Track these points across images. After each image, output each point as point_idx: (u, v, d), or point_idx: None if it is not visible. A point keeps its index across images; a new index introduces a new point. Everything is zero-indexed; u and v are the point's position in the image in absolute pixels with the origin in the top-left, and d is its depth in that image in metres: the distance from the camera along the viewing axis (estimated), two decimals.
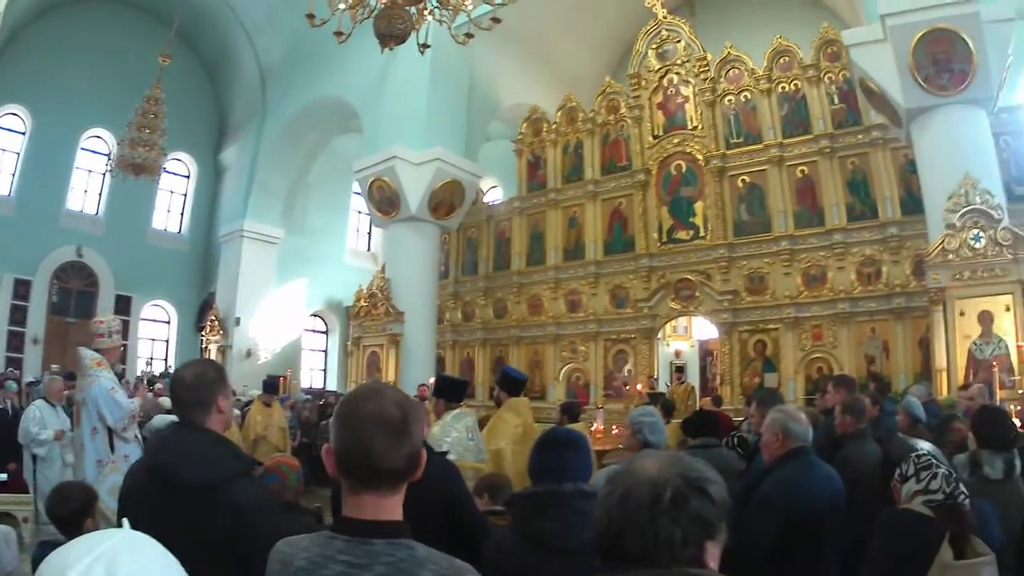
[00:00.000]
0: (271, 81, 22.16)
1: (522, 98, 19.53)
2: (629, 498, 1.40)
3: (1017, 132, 13.23)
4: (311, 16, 8.35)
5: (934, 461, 3.21)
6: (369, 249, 26.68)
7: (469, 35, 8.54)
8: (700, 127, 15.65)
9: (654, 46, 16.49)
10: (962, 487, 3.15)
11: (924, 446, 4.69)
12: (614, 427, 12.34)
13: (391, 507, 1.67)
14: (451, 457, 4.56)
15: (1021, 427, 6.01)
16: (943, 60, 10.83)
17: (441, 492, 3.43)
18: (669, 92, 16.25)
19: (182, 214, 24.99)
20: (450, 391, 6.46)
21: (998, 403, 7.92)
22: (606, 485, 1.49)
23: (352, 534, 1.61)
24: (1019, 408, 8.16)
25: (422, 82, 17.20)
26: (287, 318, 23.24)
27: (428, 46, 8.86)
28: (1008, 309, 10.14)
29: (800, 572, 3.64)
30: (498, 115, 19.99)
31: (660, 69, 16.33)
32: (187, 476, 2.49)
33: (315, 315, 25.05)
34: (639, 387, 14.34)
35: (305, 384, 23.16)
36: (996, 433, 4.07)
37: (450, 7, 8.44)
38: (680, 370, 16.02)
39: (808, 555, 3.66)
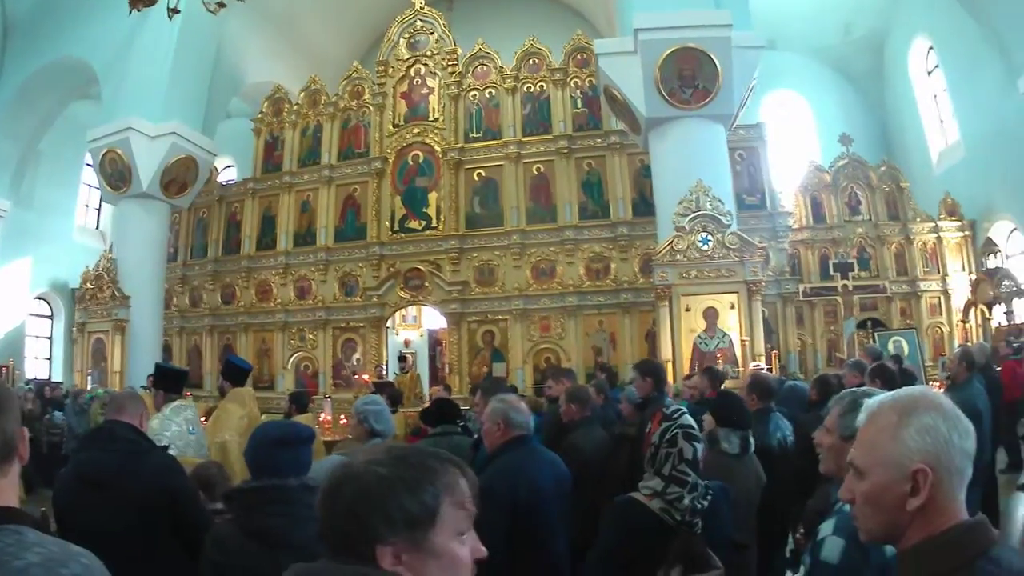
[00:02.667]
0: (14, 34, 17.91)
1: (267, 76, 17.05)
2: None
3: (752, 148, 13.44)
4: None
5: (691, 479, 2.78)
6: (98, 227, 22.54)
7: (221, 4, 7.92)
8: (441, 119, 14.19)
9: (407, 36, 14.81)
10: (698, 510, 2.79)
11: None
12: (342, 417, 10.90)
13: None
14: (171, 452, 3.88)
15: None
16: (688, 76, 10.57)
17: (163, 490, 3.12)
18: (415, 82, 14.59)
19: None
20: (169, 381, 5.78)
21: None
22: None
23: None
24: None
25: (167, 51, 14.45)
26: (10, 301, 19.02)
27: (178, 11, 7.78)
28: (733, 307, 10.10)
29: (529, 557, 3.30)
30: (241, 92, 17.43)
31: (409, 59, 14.67)
32: None
33: (40, 298, 20.68)
34: (366, 377, 12.91)
35: (30, 375, 18.93)
36: (733, 414, 4.12)
37: None
38: (403, 359, 14.25)
39: (537, 540, 3.35)
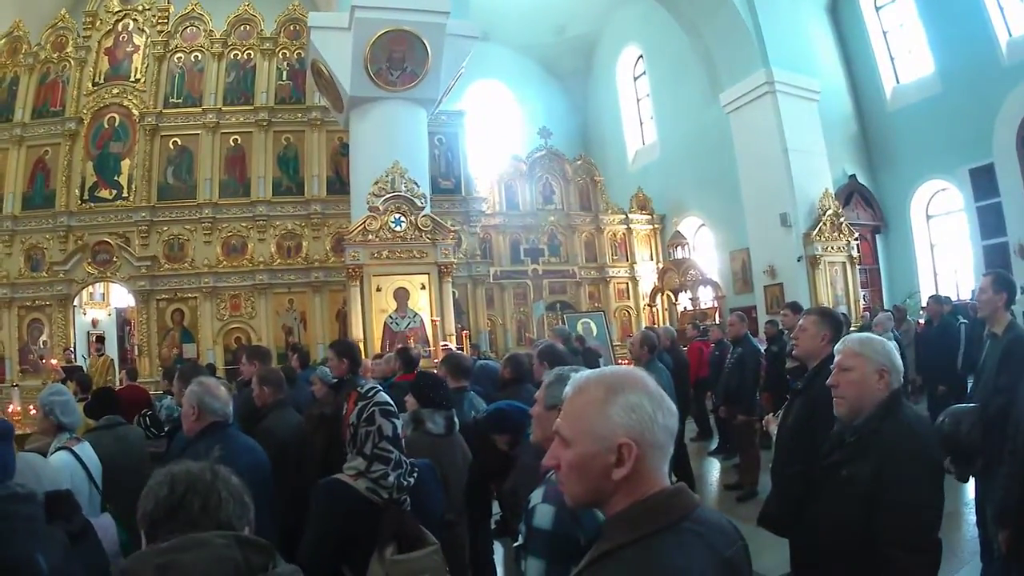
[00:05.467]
0: None
1: None
2: None
3: (452, 133, 13.11)
4: None
5: (394, 456, 2.66)
6: None
7: None
8: (143, 81, 12.35)
9: None
10: (405, 486, 2.69)
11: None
12: (32, 408, 9.01)
13: None
14: None
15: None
16: (398, 59, 10.06)
17: None
18: (122, 38, 12.60)
19: None
20: None
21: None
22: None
23: None
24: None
25: None
26: None
27: None
28: (424, 287, 9.87)
29: None
30: None
31: (119, 12, 12.65)
32: None
33: None
34: (54, 361, 10.98)
35: None
36: (436, 395, 3.93)
37: None
38: (100, 341, 12.56)
39: None
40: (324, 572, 2.57)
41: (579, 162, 14.67)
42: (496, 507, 4.94)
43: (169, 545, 1.25)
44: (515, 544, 2.04)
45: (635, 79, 18.30)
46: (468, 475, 3.94)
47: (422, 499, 2.79)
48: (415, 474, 2.75)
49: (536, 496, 1.99)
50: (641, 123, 18.11)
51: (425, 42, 9.96)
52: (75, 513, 2.47)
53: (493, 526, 5.03)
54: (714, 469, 8.50)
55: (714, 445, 9.29)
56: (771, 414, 3.68)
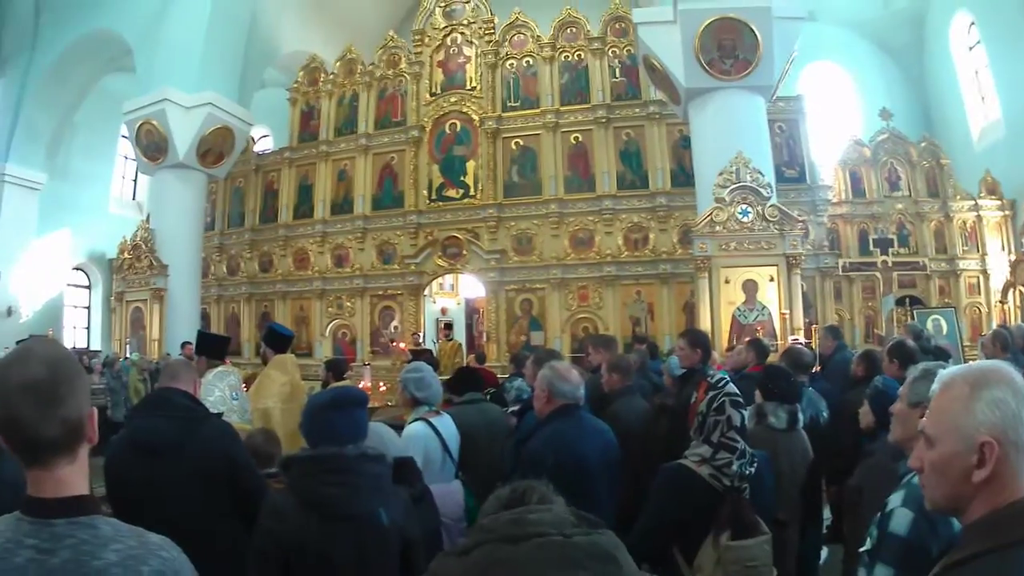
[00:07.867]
0: (46, 9, 17.93)
1: (302, 46, 16.91)
2: None
3: (792, 120, 13.25)
4: None
5: (739, 446, 2.84)
6: (135, 198, 22.55)
7: None
8: (479, 88, 14.10)
9: (442, 4, 14.67)
10: (746, 476, 2.85)
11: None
12: (381, 384, 11.29)
13: (71, 480, 1.35)
14: None
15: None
16: (729, 47, 10.47)
17: (222, 456, 3.07)
18: (452, 51, 14.50)
19: None
20: (211, 348, 5.95)
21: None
22: None
23: (35, 515, 1.31)
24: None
25: (201, 20, 14.41)
26: (49, 272, 19.17)
27: None
28: (772, 280, 9.96)
29: None
30: (276, 62, 17.31)
31: (445, 27, 14.56)
32: None
33: (78, 269, 20.82)
34: (402, 345, 12.90)
35: (68, 344, 18.88)
36: (781, 388, 4.08)
37: None
38: (449, 327, 14.40)
39: (580, 508, 2.41)
40: (656, 550, 2.83)
41: (923, 144, 14.39)
42: (827, 513, 5.14)
43: (519, 509, 1.37)
44: (862, 549, 2.06)
45: (970, 49, 17.49)
46: (807, 473, 4.08)
47: (757, 490, 2.93)
48: (755, 464, 2.90)
49: (895, 499, 2.01)
50: (983, 97, 17.25)
51: (753, 27, 10.32)
52: (416, 479, 3.01)
53: (825, 531, 5.14)
54: None
55: None
56: None
